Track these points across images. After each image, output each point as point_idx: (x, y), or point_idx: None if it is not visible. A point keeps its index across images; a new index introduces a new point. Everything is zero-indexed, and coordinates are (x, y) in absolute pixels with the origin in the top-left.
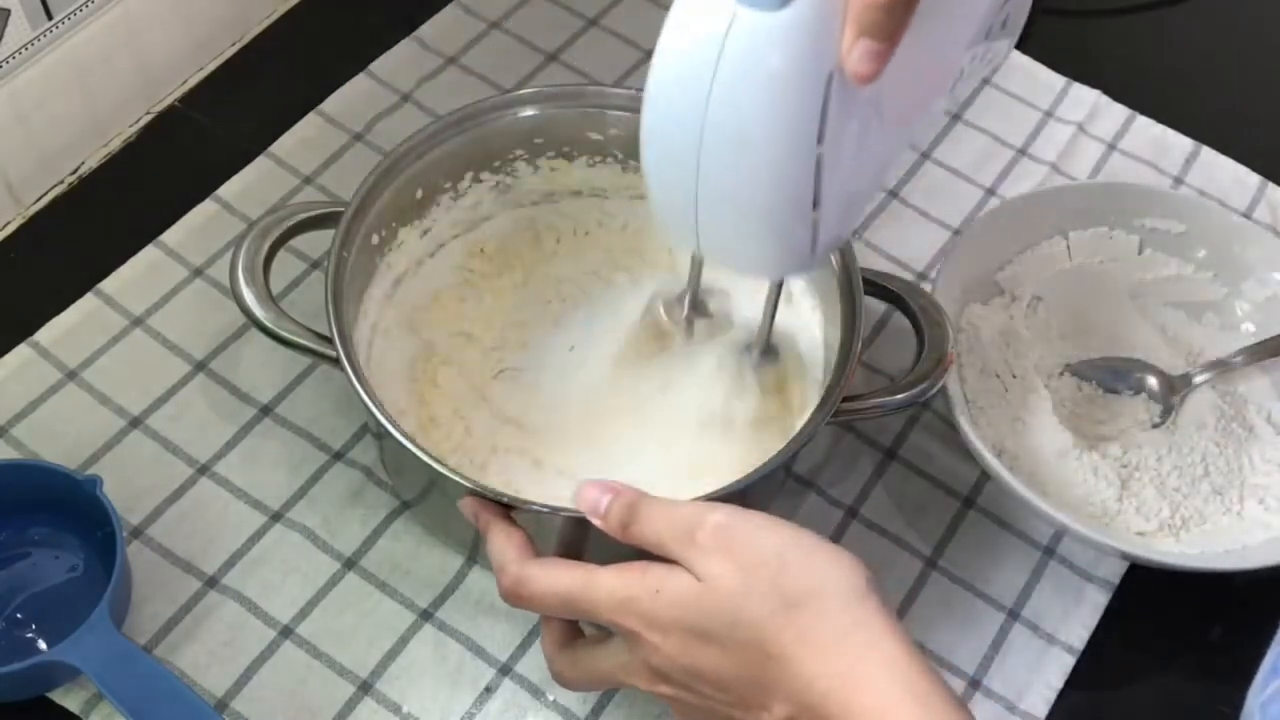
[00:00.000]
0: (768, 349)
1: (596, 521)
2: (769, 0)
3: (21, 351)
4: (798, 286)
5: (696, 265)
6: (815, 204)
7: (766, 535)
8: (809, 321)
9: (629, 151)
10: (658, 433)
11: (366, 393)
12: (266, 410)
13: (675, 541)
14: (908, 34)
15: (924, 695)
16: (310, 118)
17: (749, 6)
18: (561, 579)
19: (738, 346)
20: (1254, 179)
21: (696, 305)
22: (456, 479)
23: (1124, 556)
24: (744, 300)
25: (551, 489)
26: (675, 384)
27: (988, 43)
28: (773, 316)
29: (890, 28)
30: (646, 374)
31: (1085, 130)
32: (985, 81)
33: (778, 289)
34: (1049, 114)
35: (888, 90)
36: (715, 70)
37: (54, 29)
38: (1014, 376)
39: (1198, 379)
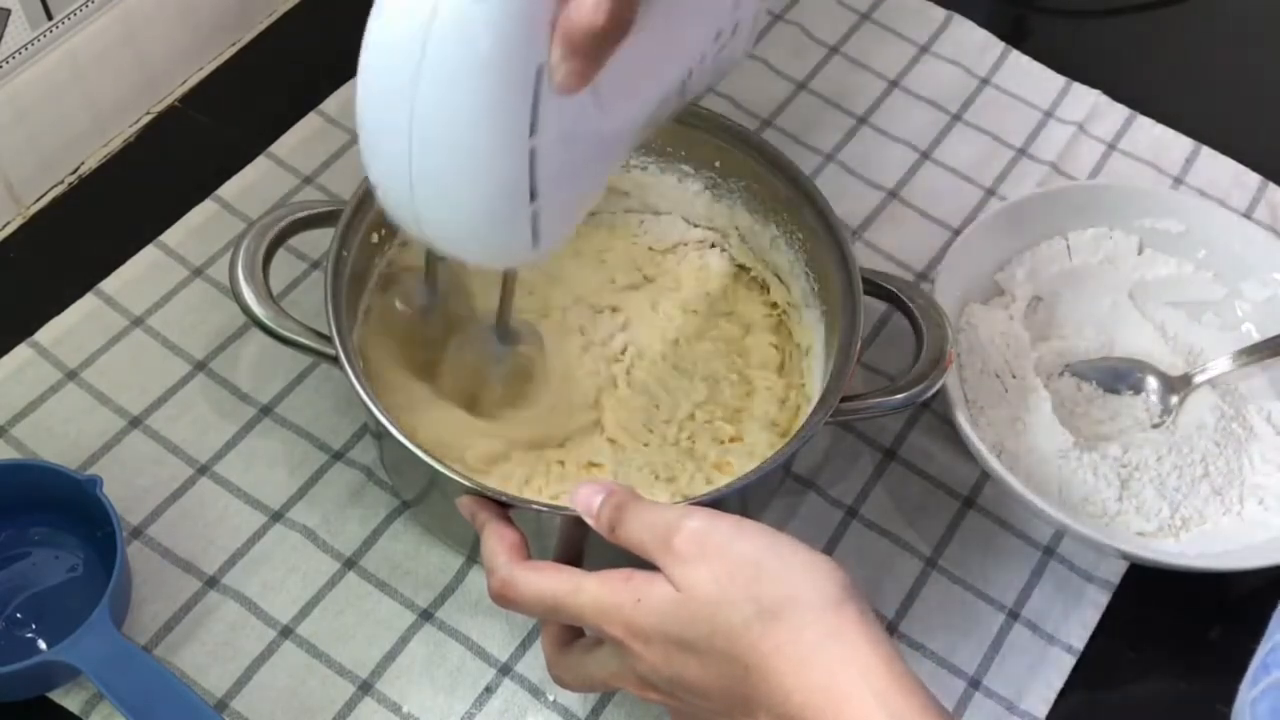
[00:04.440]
0: (506, 335)
1: (590, 522)
2: None
3: (21, 351)
4: (797, 287)
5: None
6: (533, 196)
7: (742, 541)
8: (809, 322)
9: None
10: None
11: (366, 392)
12: (266, 410)
13: (654, 547)
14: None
15: (899, 711)
16: (310, 118)
17: None
18: (548, 584)
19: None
20: (1254, 179)
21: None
22: (456, 479)
23: (1124, 556)
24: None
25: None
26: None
27: (718, 45)
28: (507, 303)
29: (596, 52)
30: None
31: (1085, 130)
32: (985, 82)
33: (511, 276)
34: (1049, 114)
35: (606, 87)
36: (421, 58)
37: (54, 29)
38: (1014, 376)
39: (1198, 379)
